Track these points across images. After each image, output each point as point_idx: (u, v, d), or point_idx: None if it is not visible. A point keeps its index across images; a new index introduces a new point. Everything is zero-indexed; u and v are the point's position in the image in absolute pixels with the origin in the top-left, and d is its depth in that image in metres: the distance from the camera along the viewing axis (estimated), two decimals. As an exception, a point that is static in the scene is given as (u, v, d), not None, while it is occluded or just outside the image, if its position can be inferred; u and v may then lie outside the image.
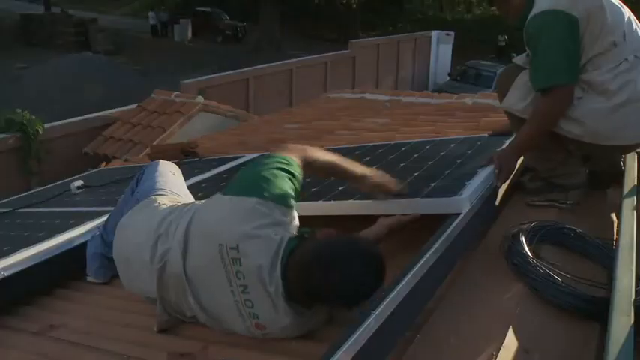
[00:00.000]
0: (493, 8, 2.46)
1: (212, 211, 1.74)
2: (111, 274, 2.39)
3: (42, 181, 6.12)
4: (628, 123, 2.13)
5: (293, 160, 1.79)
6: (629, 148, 2.37)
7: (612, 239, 2.01)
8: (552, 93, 2.14)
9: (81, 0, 35.63)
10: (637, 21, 2.23)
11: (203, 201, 1.88)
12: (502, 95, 2.44)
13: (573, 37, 2.09)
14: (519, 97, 2.30)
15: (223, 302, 1.65)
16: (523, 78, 2.30)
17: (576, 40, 2.09)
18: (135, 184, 2.29)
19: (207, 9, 30.30)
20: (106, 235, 2.36)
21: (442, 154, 2.55)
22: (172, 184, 2.20)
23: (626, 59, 2.11)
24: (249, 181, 1.73)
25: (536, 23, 2.14)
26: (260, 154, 3.18)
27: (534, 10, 2.17)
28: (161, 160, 2.40)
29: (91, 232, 2.53)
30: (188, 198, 2.22)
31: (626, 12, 2.20)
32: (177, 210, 1.88)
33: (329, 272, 1.47)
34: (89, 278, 2.43)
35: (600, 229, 2.13)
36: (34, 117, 7.02)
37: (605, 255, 1.86)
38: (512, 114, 2.39)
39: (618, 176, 2.44)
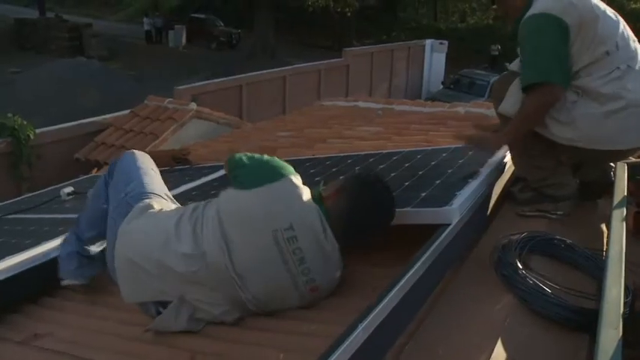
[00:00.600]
0: (494, 7, 2.51)
1: (247, 206, 1.84)
2: (90, 274, 2.31)
3: (33, 186, 6.07)
4: (621, 129, 2.16)
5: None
6: (622, 154, 2.39)
7: (602, 250, 2.01)
8: (542, 88, 2.15)
9: (76, 5, 35.65)
10: (631, 33, 2.27)
11: (220, 200, 1.92)
12: (497, 101, 2.45)
13: (564, 42, 2.13)
14: (515, 101, 2.31)
15: (279, 283, 1.80)
16: (518, 84, 2.31)
17: (566, 44, 2.13)
18: (109, 176, 2.26)
19: (202, 15, 30.31)
20: (80, 233, 2.30)
21: (433, 163, 2.54)
22: (159, 186, 2.25)
23: (618, 67, 2.14)
24: (263, 171, 1.91)
25: (529, 24, 2.19)
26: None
27: (529, 12, 2.21)
28: (135, 151, 2.37)
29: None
30: (170, 197, 2.27)
31: (621, 23, 2.24)
32: (188, 213, 1.95)
33: (368, 200, 1.85)
34: (66, 282, 2.30)
35: (590, 240, 2.13)
36: (25, 122, 6.97)
37: (594, 266, 1.86)
38: (507, 118, 2.39)
39: (609, 186, 2.45)
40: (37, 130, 7.08)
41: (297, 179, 1.88)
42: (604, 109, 2.14)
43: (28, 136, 6.87)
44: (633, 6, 28.82)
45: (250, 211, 1.82)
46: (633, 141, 2.24)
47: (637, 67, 2.20)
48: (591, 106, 2.15)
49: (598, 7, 2.20)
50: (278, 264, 1.77)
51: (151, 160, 2.38)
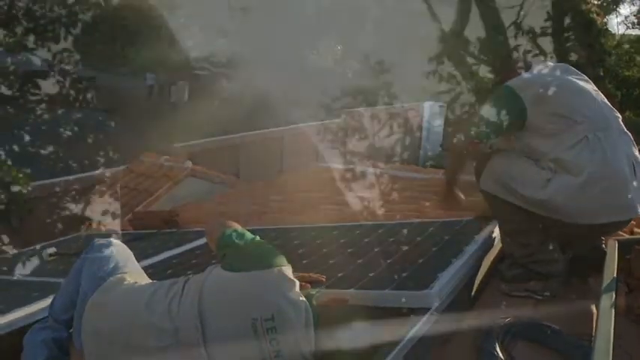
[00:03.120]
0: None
1: (232, 289, 1.79)
2: None
3: (22, 240, 6.00)
4: (598, 201, 2.16)
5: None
6: (606, 228, 2.34)
7: (591, 334, 1.92)
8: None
9: (80, 58, 36.26)
10: (603, 98, 2.34)
11: (201, 278, 1.87)
12: (478, 178, 2.49)
13: (511, 111, 2.27)
14: (496, 179, 2.37)
15: None
16: (498, 160, 2.40)
17: (513, 113, 2.27)
18: (83, 261, 2.17)
19: (205, 72, 30.73)
20: (56, 315, 2.18)
21: (418, 239, 2.49)
22: (133, 264, 2.21)
23: (587, 137, 2.19)
24: (253, 256, 1.85)
25: (494, 92, 2.45)
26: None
27: None
28: (111, 239, 2.29)
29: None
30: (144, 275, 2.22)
31: (591, 91, 2.33)
32: (165, 287, 1.90)
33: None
34: None
35: (580, 323, 2.05)
36: (20, 175, 6.95)
37: (582, 355, 1.78)
38: (491, 195, 2.41)
39: (600, 261, 2.38)
40: (31, 184, 7.06)
41: (287, 270, 1.82)
42: (579, 180, 2.15)
43: (21, 190, 6.84)
44: (627, 73, 29.44)
45: (233, 294, 1.78)
46: (612, 214, 2.22)
47: (609, 138, 2.21)
48: (566, 179, 2.18)
49: (563, 84, 2.31)
50: (253, 350, 1.70)
51: (126, 247, 2.30)
